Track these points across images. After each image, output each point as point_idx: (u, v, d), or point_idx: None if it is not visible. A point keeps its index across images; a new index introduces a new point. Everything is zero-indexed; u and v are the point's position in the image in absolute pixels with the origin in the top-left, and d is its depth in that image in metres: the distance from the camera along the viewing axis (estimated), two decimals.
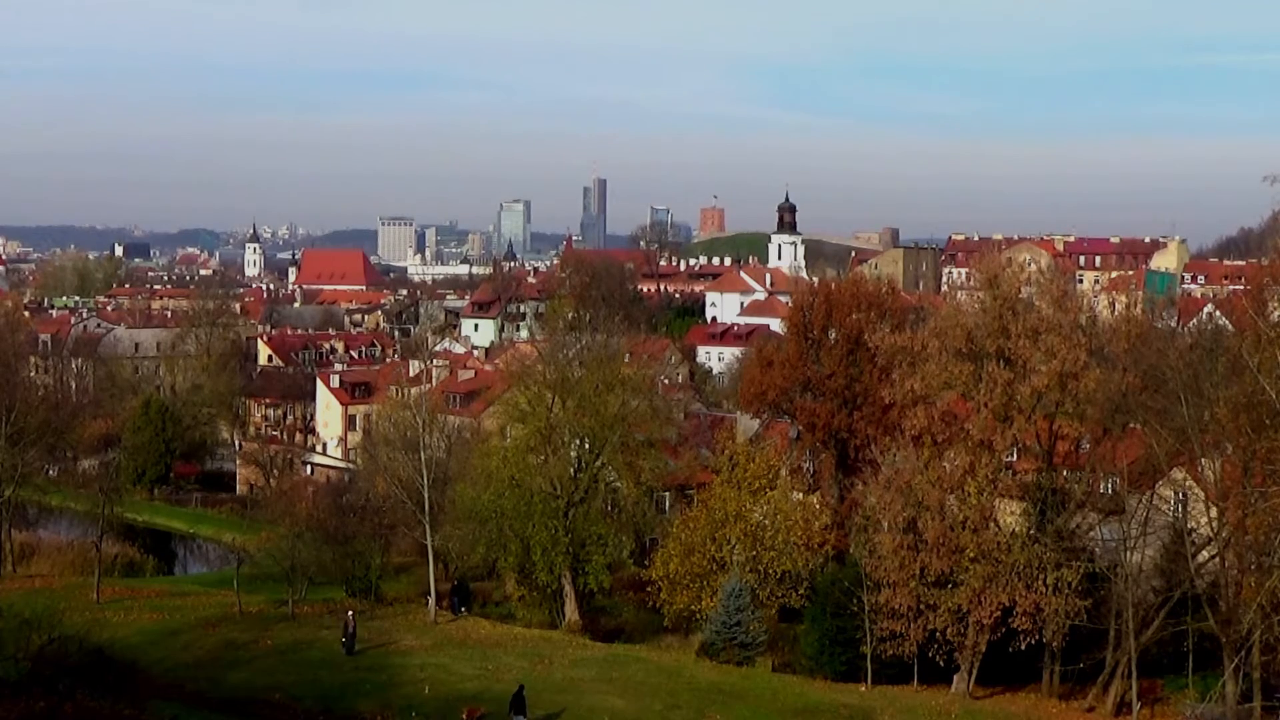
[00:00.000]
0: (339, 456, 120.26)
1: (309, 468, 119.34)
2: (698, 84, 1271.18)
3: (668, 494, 79.20)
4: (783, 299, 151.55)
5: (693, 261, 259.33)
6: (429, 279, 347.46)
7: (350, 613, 58.96)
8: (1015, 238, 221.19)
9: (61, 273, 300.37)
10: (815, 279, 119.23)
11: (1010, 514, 56.76)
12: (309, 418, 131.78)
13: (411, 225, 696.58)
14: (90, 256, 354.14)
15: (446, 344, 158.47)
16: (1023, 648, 53.17)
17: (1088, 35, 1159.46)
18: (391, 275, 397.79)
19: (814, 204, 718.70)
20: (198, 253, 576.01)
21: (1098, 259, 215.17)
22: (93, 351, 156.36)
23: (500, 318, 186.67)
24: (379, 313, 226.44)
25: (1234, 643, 50.13)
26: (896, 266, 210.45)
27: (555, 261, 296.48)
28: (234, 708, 48.56)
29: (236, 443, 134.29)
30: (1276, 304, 53.07)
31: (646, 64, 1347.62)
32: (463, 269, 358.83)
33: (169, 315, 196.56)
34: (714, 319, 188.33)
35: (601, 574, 66.12)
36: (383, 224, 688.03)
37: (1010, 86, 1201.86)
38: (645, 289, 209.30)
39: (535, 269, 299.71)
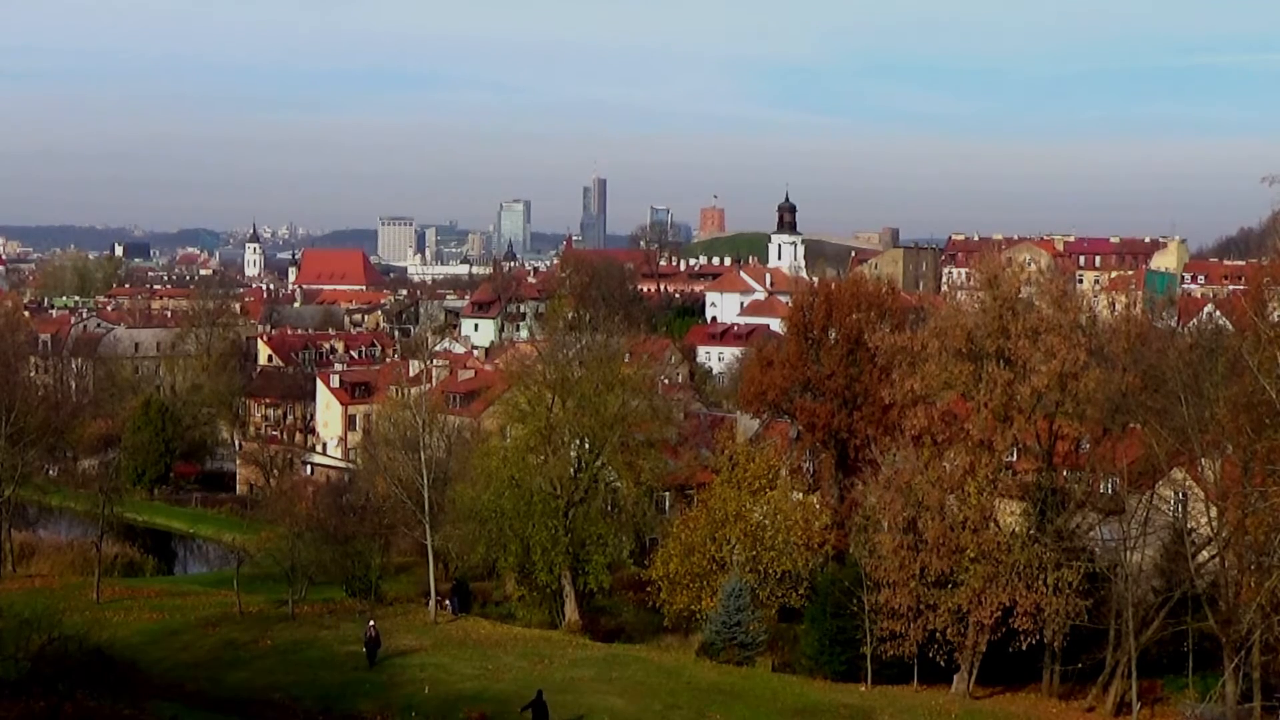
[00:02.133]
0: (339, 456, 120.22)
1: (309, 468, 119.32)
2: (698, 84, 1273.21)
3: (668, 494, 79.14)
4: (783, 299, 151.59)
5: (693, 261, 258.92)
6: (429, 279, 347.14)
7: (372, 623, 57.10)
8: (1015, 238, 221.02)
9: (61, 273, 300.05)
10: (815, 279, 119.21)
11: (1010, 514, 56.70)
12: (309, 418, 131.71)
13: (411, 225, 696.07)
14: (90, 256, 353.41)
15: (446, 344, 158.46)
16: (1023, 648, 53.16)
17: (1088, 35, 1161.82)
18: (391, 275, 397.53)
19: (814, 204, 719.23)
20: (198, 253, 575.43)
21: (1098, 259, 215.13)
22: (93, 351, 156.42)
23: (500, 318, 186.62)
24: (379, 313, 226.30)
25: (1234, 643, 50.09)
26: (896, 266, 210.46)
27: (555, 261, 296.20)
28: (234, 708, 48.61)
29: (236, 443, 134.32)
30: (1276, 304, 52.97)
31: (646, 64, 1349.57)
32: (463, 269, 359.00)
33: (169, 315, 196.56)
34: (714, 319, 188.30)
35: (601, 574, 66.09)
36: (383, 224, 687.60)
37: (1010, 87, 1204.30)
38: (645, 289, 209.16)
39: (535, 269, 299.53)
